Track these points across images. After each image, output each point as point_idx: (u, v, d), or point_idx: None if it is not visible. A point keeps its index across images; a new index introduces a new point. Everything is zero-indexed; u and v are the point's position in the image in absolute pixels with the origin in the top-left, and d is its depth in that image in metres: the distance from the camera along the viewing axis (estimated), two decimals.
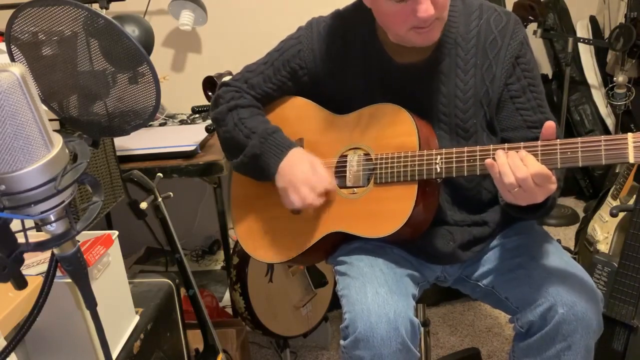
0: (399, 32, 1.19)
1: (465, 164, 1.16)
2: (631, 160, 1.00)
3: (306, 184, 1.25)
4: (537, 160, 1.06)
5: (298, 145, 1.34)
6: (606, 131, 3.13)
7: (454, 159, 1.17)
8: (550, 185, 1.06)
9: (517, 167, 1.05)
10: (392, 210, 1.23)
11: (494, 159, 1.09)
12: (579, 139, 1.04)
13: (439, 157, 1.19)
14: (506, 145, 1.11)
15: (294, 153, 1.30)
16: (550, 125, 1.08)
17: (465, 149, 1.17)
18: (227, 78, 1.50)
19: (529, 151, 1.08)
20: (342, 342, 1.19)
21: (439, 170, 1.19)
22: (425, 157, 1.20)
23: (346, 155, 1.33)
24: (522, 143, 1.10)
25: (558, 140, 1.07)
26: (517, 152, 1.07)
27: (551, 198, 1.15)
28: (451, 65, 1.27)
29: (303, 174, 1.26)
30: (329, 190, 1.27)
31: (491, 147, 1.13)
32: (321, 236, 1.32)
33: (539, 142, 1.08)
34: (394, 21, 1.17)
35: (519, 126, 1.27)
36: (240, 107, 1.39)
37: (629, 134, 1.01)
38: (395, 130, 1.26)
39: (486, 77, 1.27)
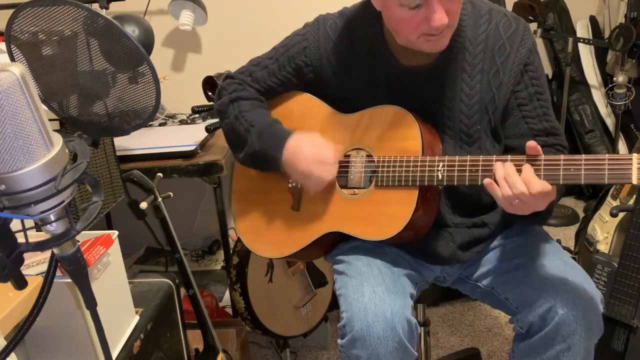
0: (409, 38, 1.18)
1: (467, 174, 1.15)
2: (634, 181, 0.99)
3: (316, 163, 1.26)
4: (540, 174, 1.06)
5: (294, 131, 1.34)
6: (606, 131, 3.13)
7: (456, 168, 1.17)
8: (552, 196, 1.07)
9: (514, 185, 1.05)
10: (391, 214, 1.23)
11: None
12: (583, 156, 1.04)
13: (441, 164, 1.18)
14: (509, 157, 1.11)
15: (292, 141, 1.30)
16: (532, 145, 1.07)
17: (468, 157, 1.16)
18: None
19: (532, 164, 1.07)
20: (339, 341, 1.19)
21: (440, 177, 1.18)
22: (427, 163, 1.20)
23: (349, 155, 1.33)
24: (525, 156, 1.09)
25: (562, 156, 1.06)
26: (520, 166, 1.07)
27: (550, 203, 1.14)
28: (457, 70, 1.26)
29: (309, 156, 1.26)
30: (339, 155, 1.28)
31: (494, 157, 1.12)
32: (320, 235, 1.33)
33: (543, 156, 1.07)
34: (405, 27, 1.16)
35: (524, 134, 1.27)
36: (242, 99, 1.39)
37: (634, 155, 1.00)
38: (400, 134, 1.25)
39: (493, 83, 1.26)
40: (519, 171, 1.07)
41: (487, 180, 1.09)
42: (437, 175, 1.18)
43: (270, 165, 1.33)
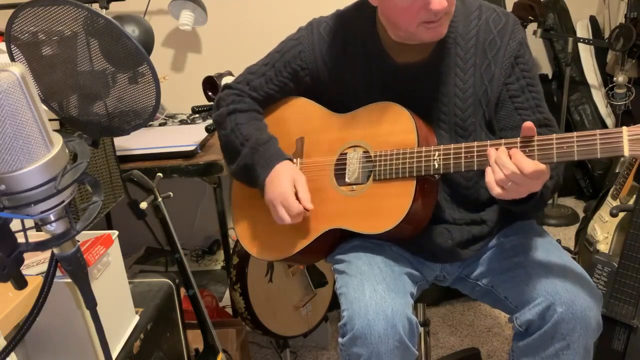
0: (408, 28, 1.19)
1: (463, 160, 1.16)
2: (626, 153, 1.00)
3: (282, 204, 1.28)
4: (534, 154, 1.07)
5: (290, 157, 1.35)
6: None
7: (452, 155, 1.18)
8: (546, 176, 1.08)
9: (504, 166, 1.06)
10: (390, 206, 1.24)
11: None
12: (575, 133, 1.05)
13: (436, 153, 1.19)
14: (503, 141, 1.11)
15: (280, 168, 1.31)
16: (528, 126, 1.08)
17: (463, 145, 1.17)
18: (227, 78, 1.51)
19: (525, 146, 1.08)
20: (340, 339, 1.19)
21: (436, 166, 1.19)
22: (423, 154, 1.21)
23: (346, 153, 1.33)
24: (519, 138, 1.10)
25: (554, 135, 1.07)
26: (508, 149, 1.08)
27: (543, 187, 1.14)
28: (450, 65, 1.28)
29: (280, 194, 1.28)
30: (305, 211, 1.28)
31: (488, 143, 1.14)
32: (320, 233, 1.33)
33: (535, 137, 1.08)
34: (405, 16, 1.17)
35: (517, 125, 1.27)
36: (239, 111, 1.40)
37: (624, 128, 1.01)
38: (395, 128, 1.26)
39: (485, 77, 1.27)
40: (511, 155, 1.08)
41: (488, 169, 1.10)
42: (434, 164, 1.19)
43: (254, 182, 1.34)
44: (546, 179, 1.09)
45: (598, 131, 1.03)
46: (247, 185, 1.41)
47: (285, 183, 1.29)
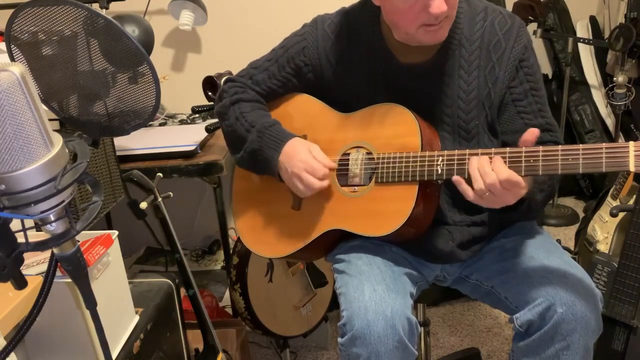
0: (408, 30, 1.19)
1: (467, 167, 1.16)
2: (631, 168, 1.00)
3: (307, 171, 1.26)
4: (539, 164, 1.07)
5: (297, 135, 1.35)
6: (606, 131, 3.13)
7: (455, 161, 1.17)
8: (519, 190, 1.08)
9: (486, 174, 1.07)
10: (391, 209, 1.24)
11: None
12: (580, 146, 1.05)
13: (440, 158, 1.19)
14: (507, 149, 1.11)
15: (291, 143, 1.31)
16: (532, 131, 1.09)
17: (467, 151, 1.17)
18: (227, 78, 1.50)
19: (530, 157, 1.08)
20: (339, 339, 1.19)
21: (440, 171, 1.19)
22: (427, 158, 1.20)
23: (349, 154, 1.33)
24: (523, 148, 1.10)
25: (560, 146, 1.07)
26: (490, 157, 1.09)
27: (527, 201, 1.16)
28: (454, 66, 1.27)
29: (302, 162, 1.27)
30: (331, 171, 1.29)
31: (492, 150, 1.13)
32: (320, 233, 1.33)
33: (541, 147, 1.08)
34: (404, 18, 1.17)
35: (519, 129, 1.27)
36: (243, 101, 1.40)
37: (631, 143, 1.01)
38: (399, 131, 1.26)
39: (489, 79, 1.27)
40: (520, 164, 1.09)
41: (455, 178, 1.12)
42: (437, 170, 1.19)
43: (266, 165, 1.34)
44: (520, 194, 1.10)
45: (604, 145, 1.02)
46: (256, 171, 1.41)
47: (303, 152, 1.28)
